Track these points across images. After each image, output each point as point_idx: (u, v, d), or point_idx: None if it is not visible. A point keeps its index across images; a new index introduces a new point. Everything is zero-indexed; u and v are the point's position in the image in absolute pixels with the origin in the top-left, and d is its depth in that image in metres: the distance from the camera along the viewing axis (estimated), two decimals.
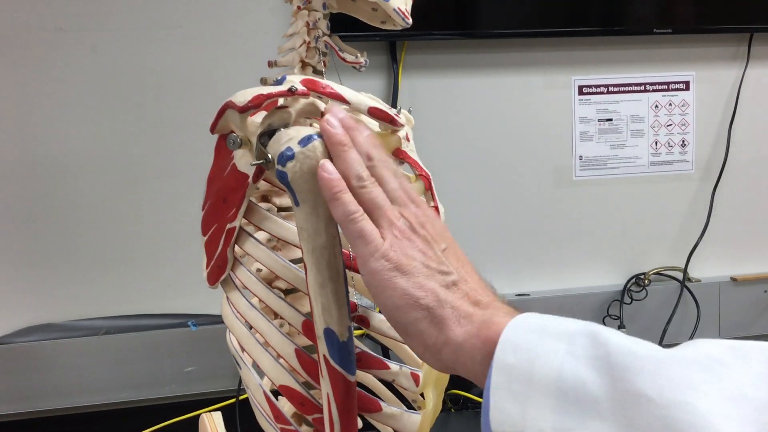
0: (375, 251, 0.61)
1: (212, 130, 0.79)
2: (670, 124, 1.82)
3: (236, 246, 0.81)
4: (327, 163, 0.65)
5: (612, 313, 1.75)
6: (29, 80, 1.51)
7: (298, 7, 0.91)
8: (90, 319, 1.57)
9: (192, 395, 1.58)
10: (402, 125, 0.85)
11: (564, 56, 1.75)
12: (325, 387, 0.67)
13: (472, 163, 1.72)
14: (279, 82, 0.74)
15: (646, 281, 1.79)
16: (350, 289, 0.71)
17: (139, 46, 1.55)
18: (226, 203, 0.79)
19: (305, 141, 0.65)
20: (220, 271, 0.81)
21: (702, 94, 1.82)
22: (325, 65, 0.91)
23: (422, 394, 0.86)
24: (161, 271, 1.60)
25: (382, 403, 0.78)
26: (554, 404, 0.50)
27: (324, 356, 0.66)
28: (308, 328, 0.75)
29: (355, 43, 1.00)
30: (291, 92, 0.71)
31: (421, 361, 0.87)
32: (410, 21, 0.89)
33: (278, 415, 0.79)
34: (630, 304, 1.77)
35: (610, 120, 1.79)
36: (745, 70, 1.81)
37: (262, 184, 0.88)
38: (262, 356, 0.78)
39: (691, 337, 1.74)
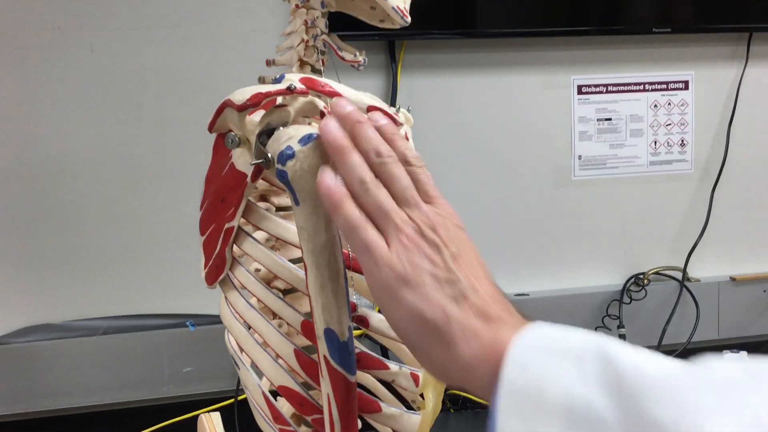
0: (379, 261, 0.59)
1: (210, 128, 0.78)
2: (670, 124, 1.81)
3: (235, 246, 0.80)
4: (326, 174, 0.62)
5: (611, 312, 1.75)
6: (28, 80, 1.51)
7: (297, 6, 0.90)
8: (88, 319, 1.57)
9: (190, 395, 1.58)
10: (401, 124, 0.85)
11: (563, 56, 1.75)
12: (326, 387, 0.67)
13: (470, 162, 1.72)
14: (278, 81, 0.74)
15: (646, 281, 1.79)
16: (350, 289, 0.71)
17: (138, 45, 1.54)
18: (225, 203, 0.79)
19: (305, 140, 0.65)
20: (218, 271, 0.81)
21: (701, 94, 1.82)
22: (323, 64, 0.91)
23: (422, 395, 0.86)
24: (160, 271, 1.59)
25: (382, 404, 0.77)
26: (564, 429, 0.49)
27: (324, 356, 0.66)
28: (307, 328, 0.75)
29: (354, 42, 0.99)
30: (290, 90, 0.71)
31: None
32: (409, 19, 0.88)
33: (277, 416, 0.78)
34: (629, 304, 1.76)
35: (609, 119, 1.78)
36: (744, 70, 1.81)
37: (261, 184, 0.88)
38: (260, 357, 0.78)
39: (691, 337, 1.74)
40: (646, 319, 1.77)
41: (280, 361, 0.78)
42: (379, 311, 0.84)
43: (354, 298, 0.75)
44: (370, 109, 0.81)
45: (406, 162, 0.64)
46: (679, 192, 1.83)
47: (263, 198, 0.90)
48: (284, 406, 0.84)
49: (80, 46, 1.52)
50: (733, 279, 1.83)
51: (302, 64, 0.91)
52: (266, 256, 0.77)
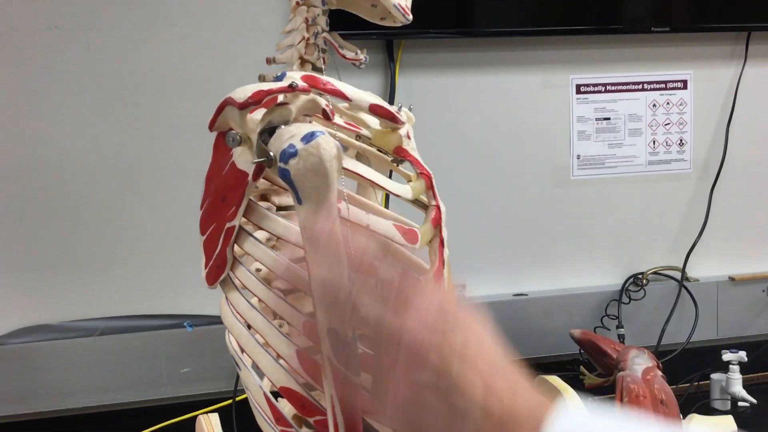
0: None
1: (211, 127, 0.78)
2: (668, 123, 1.81)
3: (235, 245, 0.80)
4: None
5: (610, 312, 1.74)
6: (23, 79, 1.50)
7: (297, 3, 0.90)
8: (85, 320, 1.56)
9: (188, 396, 1.57)
10: (403, 123, 0.84)
11: (562, 55, 1.74)
12: (329, 389, 0.66)
13: (469, 162, 1.71)
14: (279, 79, 0.73)
15: (644, 281, 1.79)
16: None
17: (135, 44, 1.54)
18: (225, 202, 0.78)
19: (308, 138, 0.64)
20: (219, 271, 0.80)
21: (700, 93, 1.81)
22: (324, 62, 0.90)
23: None
24: (157, 272, 1.58)
25: None
26: None
27: (328, 357, 0.65)
28: (309, 328, 0.74)
29: (351, 41, 0.99)
30: (292, 88, 0.70)
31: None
32: (410, 17, 0.88)
33: (279, 417, 0.78)
34: (628, 303, 1.76)
35: (608, 119, 1.78)
36: (743, 69, 1.81)
37: (261, 183, 0.87)
38: (262, 357, 0.77)
39: (690, 337, 1.73)
40: (645, 319, 1.76)
41: (281, 361, 0.77)
42: None
43: None
44: (372, 107, 0.80)
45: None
46: (677, 192, 1.83)
47: (263, 197, 0.90)
48: (285, 407, 0.83)
49: (77, 46, 1.51)
50: (731, 279, 1.82)
51: (303, 62, 0.90)
52: (268, 256, 0.76)
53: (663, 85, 1.80)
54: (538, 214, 1.76)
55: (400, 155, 0.87)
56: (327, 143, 0.65)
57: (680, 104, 1.81)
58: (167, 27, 1.55)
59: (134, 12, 1.53)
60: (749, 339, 1.81)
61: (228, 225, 0.78)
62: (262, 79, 0.89)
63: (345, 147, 0.90)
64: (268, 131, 0.70)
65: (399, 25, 0.89)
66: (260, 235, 0.82)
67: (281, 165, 0.64)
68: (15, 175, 1.51)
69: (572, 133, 1.76)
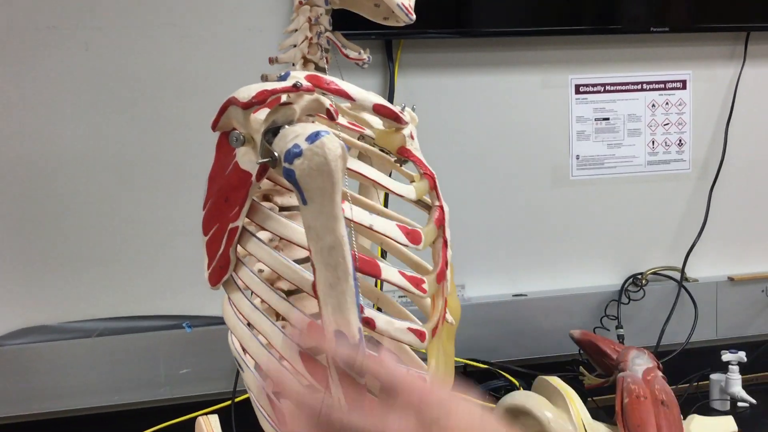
0: None
1: (214, 127, 0.77)
2: (667, 123, 1.81)
3: (238, 246, 0.79)
4: None
5: (609, 313, 1.74)
6: (22, 79, 1.49)
7: (300, 2, 0.89)
8: (84, 320, 1.55)
9: (187, 397, 1.56)
10: (406, 123, 0.84)
11: (561, 55, 1.74)
12: (336, 391, 0.65)
13: (468, 162, 1.71)
14: (283, 78, 0.73)
15: (644, 281, 1.78)
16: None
17: (133, 44, 1.53)
18: (228, 202, 0.77)
19: (313, 137, 0.63)
20: (222, 271, 0.80)
21: (699, 93, 1.81)
22: (327, 62, 0.89)
23: None
24: (156, 273, 1.58)
25: None
26: None
27: (334, 359, 0.65)
28: (313, 330, 0.74)
29: (352, 41, 0.98)
30: (296, 88, 0.70)
31: (426, 365, 0.85)
32: (414, 17, 0.88)
33: (282, 420, 0.77)
34: (627, 304, 1.76)
35: (607, 119, 1.78)
36: (742, 69, 1.81)
37: (264, 183, 0.86)
38: (265, 359, 0.77)
39: (689, 337, 1.72)
40: (644, 319, 1.76)
41: (284, 363, 0.76)
42: (379, 309, 0.83)
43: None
44: (376, 107, 0.80)
45: None
46: (677, 192, 1.83)
47: (266, 198, 0.89)
48: (287, 408, 0.82)
49: (75, 45, 1.51)
50: (731, 279, 1.82)
51: (306, 61, 0.90)
52: (271, 257, 0.76)
53: (662, 85, 1.80)
54: (537, 214, 1.76)
55: (403, 155, 0.87)
56: (332, 143, 0.64)
57: (679, 104, 1.81)
58: (166, 26, 1.54)
59: (133, 12, 1.52)
60: (748, 339, 1.81)
61: (231, 225, 0.77)
62: (264, 78, 0.89)
63: (348, 147, 0.89)
64: (272, 131, 0.69)
65: (402, 24, 0.89)
66: (263, 235, 0.82)
67: (286, 165, 0.64)
68: (13, 175, 1.50)
69: (571, 134, 1.76)
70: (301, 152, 0.63)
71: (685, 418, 1.30)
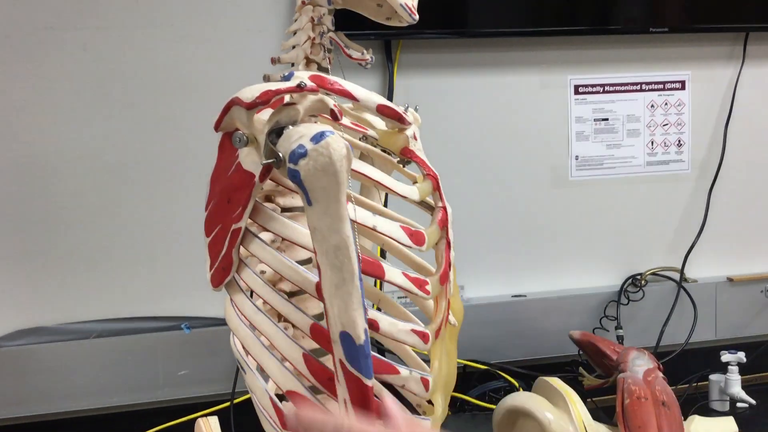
0: None
1: (216, 127, 0.77)
2: (666, 124, 1.81)
3: (241, 247, 0.79)
4: None
5: (609, 314, 1.74)
6: (19, 79, 1.48)
7: (303, 2, 0.89)
8: (81, 322, 1.54)
9: (186, 399, 1.55)
10: (410, 123, 0.84)
11: (560, 55, 1.74)
12: (342, 393, 0.65)
13: (467, 163, 1.70)
14: (287, 78, 0.72)
15: (643, 282, 1.78)
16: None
17: (132, 45, 1.52)
18: (231, 203, 0.77)
19: (317, 137, 0.63)
20: (224, 273, 0.79)
21: (698, 94, 1.81)
22: (330, 62, 0.89)
23: (429, 400, 0.84)
24: (154, 273, 1.57)
25: None
26: None
27: (340, 360, 0.64)
28: (317, 331, 0.74)
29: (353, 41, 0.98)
30: (300, 88, 0.69)
31: (428, 366, 0.85)
32: (417, 17, 0.87)
33: (285, 422, 0.77)
34: (627, 304, 1.75)
35: (606, 120, 1.78)
36: (740, 70, 1.81)
37: (266, 184, 0.86)
38: (268, 361, 0.76)
39: (689, 338, 1.72)
40: (643, 320, 1.76)
41: (287, 365, 0.76)
42: (379, 309, 0.83)
43: None
44: (380, 108, 0.80)
45: None
46: (676, 192, 1.82)
47: (268, 198, 0.89)
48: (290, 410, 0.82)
49: (73, 46, 1.50)
50: (730, 279, 1.82)
51: (308, 62, 0.89)
52: (274, 258, 0.75)
53: (661, 86, 1.80)
54: (536, 215, 1.76)
55: (406, 156, 0.86)
56: (337, 143, 0.64)
57: (678, 105, 1.81)
58: (164, 27, 1.53)
59: (131, 12, 1.51)
60: (748, 340, 1.81)
61: (234, 227, 0.77)
62: (266, 78, 0.89)
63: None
64: (276, 132, 0.69)
65: (405, 24, 0.89)
66: (264, 236, 0.81)
67: (290, 166, 0.63)
68: (10, 176, 1.50)
69: (570, 134, 1.76)
70: (306, 153, 0.63)
71: (685, 419, 1.30)
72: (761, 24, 1.78)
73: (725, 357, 1.59)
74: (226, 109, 0.74)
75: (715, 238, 1.84)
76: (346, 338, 0.63)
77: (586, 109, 1.76)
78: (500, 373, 1.63)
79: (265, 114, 0.73)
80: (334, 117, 0.73)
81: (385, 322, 0.76)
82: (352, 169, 0.77)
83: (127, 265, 1.56)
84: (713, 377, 1.60)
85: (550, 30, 1.70)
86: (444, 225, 0.87)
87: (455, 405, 1.60)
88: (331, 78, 0.75)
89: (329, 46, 0.89)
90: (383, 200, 1.07)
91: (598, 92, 1.77)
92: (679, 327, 1.75)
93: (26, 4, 1.47)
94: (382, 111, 0.79)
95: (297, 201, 0.88)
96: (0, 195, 1.49)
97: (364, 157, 0.94)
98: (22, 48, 1.48)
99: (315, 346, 0.78)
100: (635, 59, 1.78)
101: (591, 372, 1.58)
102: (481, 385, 1.61)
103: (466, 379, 1.61)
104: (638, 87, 1.79)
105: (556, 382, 1.28)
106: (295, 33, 0.91)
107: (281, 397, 0.79)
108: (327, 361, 0.77)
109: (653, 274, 1.80)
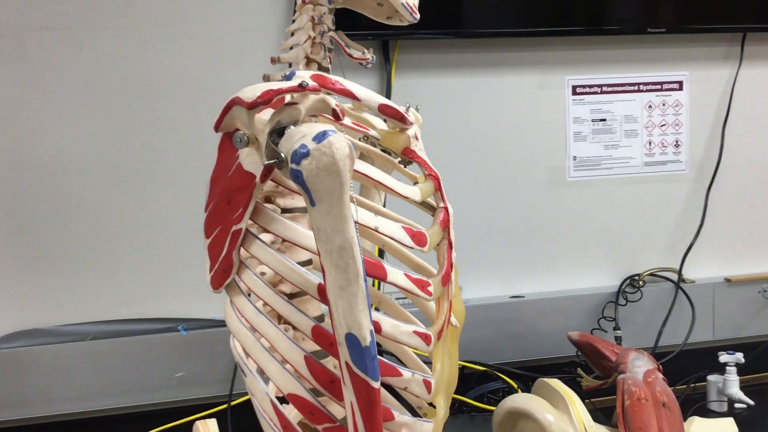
0: None
1: (217, 127, 0.76)
2: (664, 124, 1.81)
3: (241, 249, 0.78)
4: None
5: (607, 314, 1.74)
6: (15, 80, 1.47)
7: (303, 1, 0.88)
8: (77, 324, 1.53)
9: (183, 401, 1.54)
10: (411, 123, 0.83)
11: (557, 56, 1.74)
12: (349, 395, 0.64)
13: (465, 163, 1.70)
14: (288, 78, 0.72)
15: (641, 282, 1.78)
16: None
17: (128, 45, 1.51)
18: (232, 204, 0.76)
19: (320, 137, 0.62)
20: (225, 275, 0.78)
21: (695, 94, 1.81)
22: (330, 62, 0.88)
23: (430, 403, 0.84)
24: (150, 275, 1.56)
25: (395, 412, 0.75)
26: None
27: (346, 363, 0.63)
28: (318, 333, 0.73)
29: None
30: (302, 88, 0.68)
31: (429, 368, 0.84)
32: (418, 16, 0.87)
33: (286, 425, 0.76)
34: (625, 305, 1.75)
35: (604, 120, 1.77)
36: (738, 70, 1.81)
37: (265, 184, 0.85)
38: (269, 363, 0.75)
39: (687, 339, 1.72)
40: (641, 320, 1.76)
41: (288, 367, 0.75)
42: (377, 309, 0.82)
43: None
44: (382, 107, 0.79)
45: None
46: (673, 193, 1.82)
47: (267, 199, 0.88)
48: (291, 412, 0.81)
49: (69, 46, 1.49)
50: (728, 280, 1.82)
51: (309, 61, 0.89)
52: (275, 260, 0.75)
53: (659, 86, 1.80)
54: (534, 215, 1.75)
55: (408, 156, 0.86)
56: (339, 142, 0.63)
57: (676, 105, 1.81)
58: (161, 27, 1.53)
59: (127, 12, 1.51)
60: (746, 340, 1.81)
61: (234, 228, 0.76)
62: (266, 78, 0.88)
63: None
64: (277, 132, 0.68)
65: (406, 24, 0.88)
66: (264, 237, 0.81)
67: (293, 166, 0.63)
68: (5, 178, 1.49)
69: (568, 135, 1.76)
70: (309, 152, 0.62)
71: (684, 420, 1.30)
72: (759, 24, 1.78)
73: (723, 358, 1.59)
74: (227, 109, 0.73)
75: (713, 238, 1.84)
76: (352, 340, 0.62)
77: (584, 109, 1.76)
78: (498, 374, 1.63)
79: (265, 114, 0.72)
80: (336, 117, 0.73)
81: (387, 323, 0.75)
82: (355, 170, 0.76)
83: (123, 266, 1.55)
84: (711, 378, 1.60)
85: (547, 30, 1.69)
86: (446, 226, 0.86)
87: (453, 406, 1.60)
88: (333, 77, 0.74)
89: (330, 46, 0.88)
90: (382, 201, 1.06)
91: (595, 93, 1.76)
92: (677, 328, 1.75)
93: (20, 5, 1.46)
94: (383, 110, 0.78)
95: (297, 202, 0.87)
96: None
97: (364, 157, 0.93)
98: (17, 49, 1.47)
99: (316, 348, 0.77)
100: (633, 60, 1.77)
101: (589, 373, 1.57)
102: (479, 387, 1.61)
103: (464, 380, 1.60)
104: (636, 87, 1.78)
105: (555, 383, 1.27)
106: (294, 33, 0.90)
107: (282, 400, 0.79)
108: (328, 363, 0.76)
109: (651, 274, 1.80)
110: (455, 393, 1.58)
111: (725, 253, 1.86)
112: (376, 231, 0.76)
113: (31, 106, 1.48)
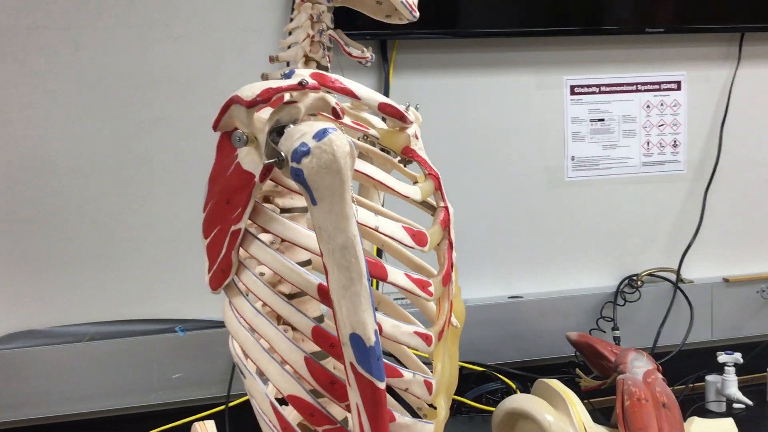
0: None
1: (215, 126, 0.75)
2: (662, 125, 1.80)
3: (240, 249, 0.77)
4: None
5: (605, 315, 1.73)
6: (11, 80, 1.47)
7: (301, 0, 0.87)
8: (74, 325, 1.53)
9: (180, 402, 1.53)
10: (411, 122, 0.82)
11: (556, 56, 1.73)
12: (354, 397, 0.63)
13: (463, 163, 1.70)
14: (287, 76, 0.71)
15: (639, 283, 1.78)
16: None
17: (125, 44, 1.51)
18: (230, 204, 0.76)
19: (320, 135, 0.62)
20: (224, 275, 0.78)
21: (694, 94, 1.81)
22: (329, 60, 0.88)
23: (431, 404, 0.83)
24: (148, 276, 1.55)
25: (396, 413, 0.75)
26: None
27: (351, 364, 0.63)
28: (318, 334, 0.72)
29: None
30: (301, 86, 0.68)
31: (429, 368, 0.84)
32: (417, 14, 0.86)
33: (286, 426, 0.75)
34: (623, 305, 1.75)
35: (602, 120, 1.77)
36: (736, 70, 1.81)
37: (265, 184, 0.85)
38: (269, 364, 0.75)
39: (685, 339, 1.72)
40: (640, 320, 1.75)
41: (288, 368, 0.75)
42: (376, 309, 0.82)
43: None
44: (382, 106, 0.78)
45: None
46: (672, 193, 1.82)
47: (266, 199, 0.88)
48: (290, 414, 0.81)
49: (65, 46, 1.48)
50: (726, 280, 1.82)
51: (308, 60, 0.88)
52: (275, 260, 0.74)
53: (657, 86, 1.79)
54: (532, 215, 1.75)
55: (408, 155, 0.85)
56: (340, 140, 0.62)
57: (674, 105, 1.80)
58: (158, 27, 1.52)
59: (124, 12, 1.50)
60: (744, 340, 1.81)
61: (233, 228, 0.75)
62: (265, 77, 0.87)
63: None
64: (277, 130, 0.67)
65: (405, 22, 0.87)
66: (264, 237, 0.80)
67: (294, 165, 0.62)
68: (1, 179, 1.48)
69: (566, 135, 1.75)
70: (309, 151, 0.61)
71: (684, 421, 1.30)
72: (757, 24, 1.77)
73: (722, 358, 1.58)
74: (225, 108, 0.72)
75: (711, 238, 1.83)
76: (357, 340, 0.62)
77: (582, 109, 1.76)
78: (497, 374, 1.62)
79: (265, 113, 0.71)
80: (336, 115, 0.72)
81: (387, 324, 0.75)
82: (356, 170, 0.76)
83: (120, 266, 1.54)
84: (710, 378, 1.60)
85: (546, 30, 1.69)
86: (446, 225, 0.86)
87: (452, 407, 1.59)
88: (332, 76, 0.73)
89: (328, 44, 0.88)
90: (382, 200, 1.06)
91: (594, 93, 1.76)
92: (675, 328, 1.75)
93: (16, 4, 1.45)
94: (383, 109, 0.78)
95: (296, 202, 0.87)
96: None
97: (363, 156, 0.93)
98: (12, 48, 1.46)
99: (316, 349, 0.76)
100: (631, 60, 1.77)
101: (588, 373, 1.57)
102: (477, 387, 1.60)
103: (462, 380, 1.59)
104: (634, 87, 1.78)
105: (555, 383, 1.27)
106: (293, 31, 0.89)
107: (281, 402, 0.78)
108: (328, 364, 0.76)
109: (649, 275, 1.80)
110: (454, 394, 1.58)
111: (724, 253, 1.86)
112: (377, 231, 0.75)
113: (30, 106, 1.48)
